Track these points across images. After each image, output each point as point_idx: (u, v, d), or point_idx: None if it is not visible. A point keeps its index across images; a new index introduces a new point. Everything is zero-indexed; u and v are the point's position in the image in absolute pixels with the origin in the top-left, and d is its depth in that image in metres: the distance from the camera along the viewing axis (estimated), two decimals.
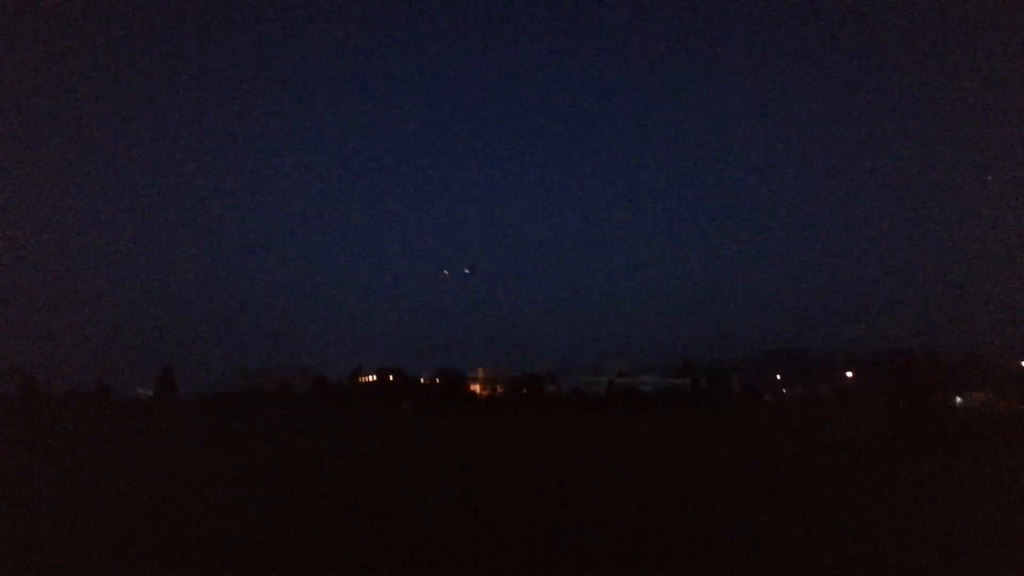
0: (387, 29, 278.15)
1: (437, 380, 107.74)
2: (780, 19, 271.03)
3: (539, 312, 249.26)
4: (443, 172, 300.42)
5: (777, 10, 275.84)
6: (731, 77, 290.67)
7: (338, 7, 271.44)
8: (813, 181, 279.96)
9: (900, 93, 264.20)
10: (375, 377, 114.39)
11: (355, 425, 52.07)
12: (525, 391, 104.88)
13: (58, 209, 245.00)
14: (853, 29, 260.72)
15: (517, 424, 51.20)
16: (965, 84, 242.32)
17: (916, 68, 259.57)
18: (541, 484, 17.68)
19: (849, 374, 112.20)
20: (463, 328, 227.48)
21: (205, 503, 14.36)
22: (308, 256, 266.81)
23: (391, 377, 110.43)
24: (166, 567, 8.97)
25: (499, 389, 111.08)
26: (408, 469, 21.30)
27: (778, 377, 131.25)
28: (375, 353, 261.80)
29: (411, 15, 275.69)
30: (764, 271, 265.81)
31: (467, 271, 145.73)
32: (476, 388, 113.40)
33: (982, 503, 14.74)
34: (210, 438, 36.88)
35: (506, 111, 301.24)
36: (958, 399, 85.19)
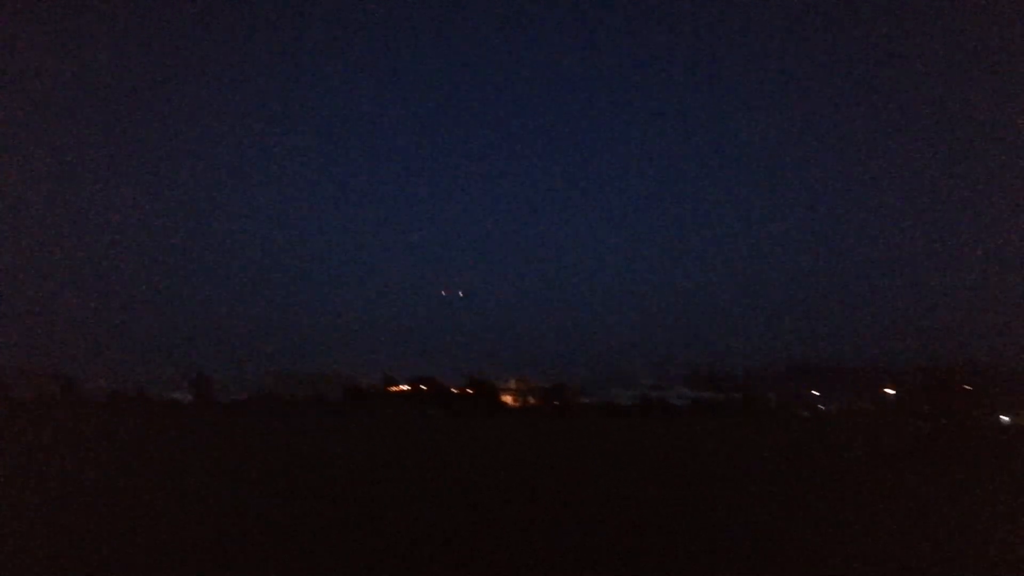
0: (406, 41, 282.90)
1: (469, 389, 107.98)
2: (791, 24, 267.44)
3: (566, 323, 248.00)
4: (477, 182, 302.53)
5: (786, 15, 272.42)
6: (751, 84, 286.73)
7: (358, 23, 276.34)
8: (850, 186, 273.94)
9: (929, 94, 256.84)
10: (407, 386, 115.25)
11: (383, 431, 52.45)
12: (557, 402, 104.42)
13: (97, 214, 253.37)
14: (866, 34, 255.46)
15: (547, 433, 50.73)
16: (995, 81, 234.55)
17: (937, 66, 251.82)
18: (557, 488, 17.55)
19: (891, 391, 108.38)
20: (494, 338, 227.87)
21: (216, 503, 14.64)
22: (343, 266, 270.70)
23: (423, 386, 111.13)
24: (166, 567, 9.13)
25: (531, 400, 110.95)
26: (427, 473, 21.37)
27: (814, 393, 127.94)
28: (407, 362, 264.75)
29: (421, 25, 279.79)
30: (799, 279, 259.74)
31: (461, 294, 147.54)
32: (508, 398, 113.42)
33: (997, 516, 14.13)
34: (235, 441, 37.64)
35: (533, 120, 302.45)
36: (1005, 418, 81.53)
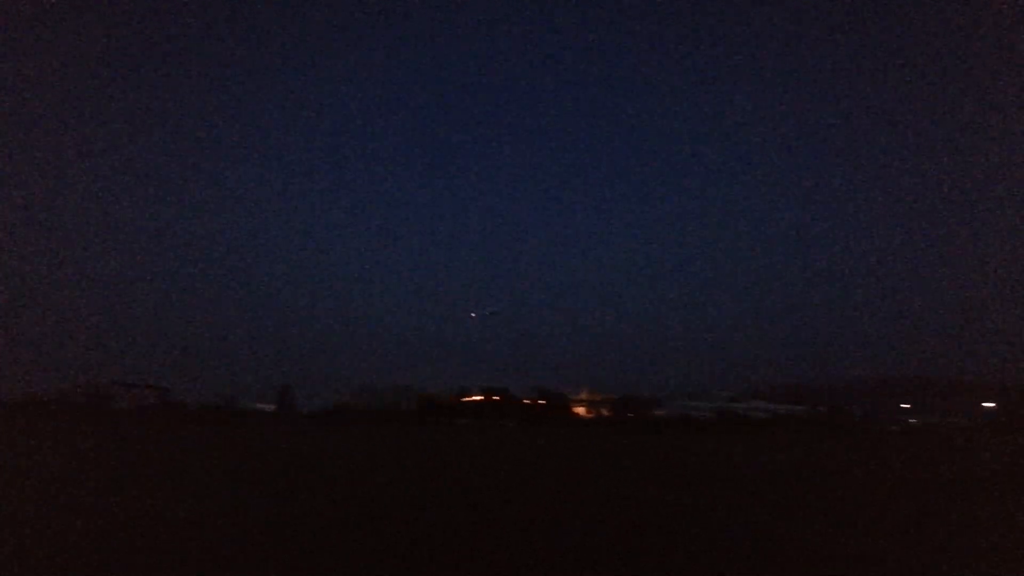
0: (446, 67, 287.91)
1: (540, 400, 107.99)
2: (810, 43, 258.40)
3: (642, 334, 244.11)
4: (549, 199, 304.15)
5: (799, 37, 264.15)
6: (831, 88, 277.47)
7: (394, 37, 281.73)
8: (941, 198, 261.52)
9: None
10: (480, 397, 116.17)
11: (445, 440, 52.70)
12: (631, 414, 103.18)
13: (191, 239, 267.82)
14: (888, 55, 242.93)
15: (616, 445, 49.41)
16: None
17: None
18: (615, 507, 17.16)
19: (990, 404, 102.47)
20: (567, 350, 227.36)
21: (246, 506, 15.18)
22: (417, 285, 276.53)
23: (495, 397, 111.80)
24: (185, 566, 9.42)
25: (604, 411, 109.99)
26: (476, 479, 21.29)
27: (904, 406, 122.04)
28: (480, 374, 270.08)
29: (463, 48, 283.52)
30: (891, 291, 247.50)
31: (489, 313, 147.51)
32: (580, 410, 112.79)
33: None
34: (283, 448, 39.02)
35: (589, 135, 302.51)
36: None
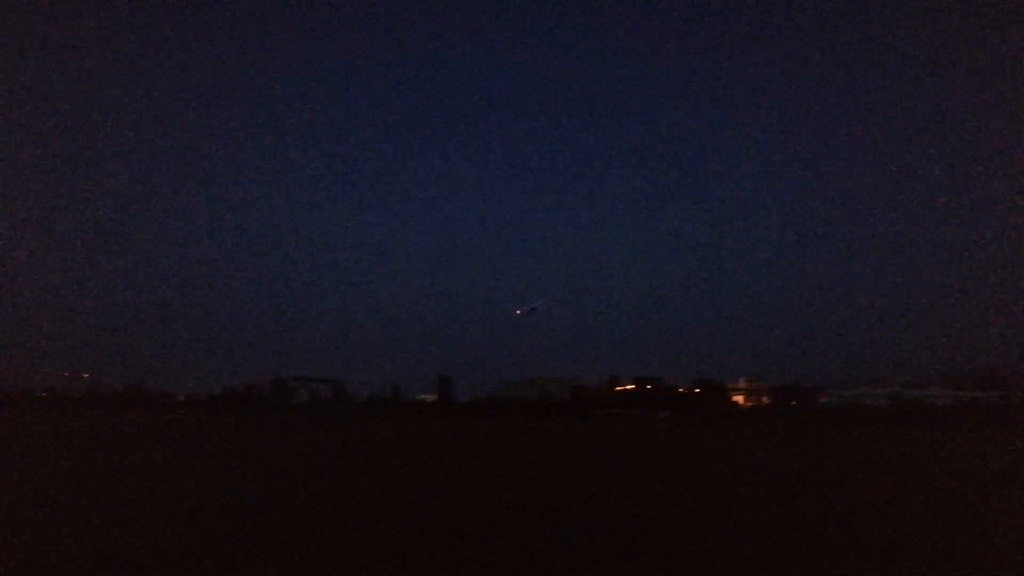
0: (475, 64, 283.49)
1: (696, 389, 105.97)
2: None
3: (811, 317, 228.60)
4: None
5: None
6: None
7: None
8: None
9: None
10: (632, 386, 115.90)
11: (584, 433, 51.36)
12: (794, 403, 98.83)
13: (360, 244, 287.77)
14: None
15: (774, 438, 44.95)
16: None
17: None
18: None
19: None
20: (726, 336, 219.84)
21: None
22: (571, 274, 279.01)
23: (648, 386, 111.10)
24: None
25: (764, 400, 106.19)
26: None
27: None
28: (633, 362, 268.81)
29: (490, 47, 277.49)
30: None
31: (531, 309, 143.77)
32: (739, 398, 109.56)
33: None
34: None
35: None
36: None
